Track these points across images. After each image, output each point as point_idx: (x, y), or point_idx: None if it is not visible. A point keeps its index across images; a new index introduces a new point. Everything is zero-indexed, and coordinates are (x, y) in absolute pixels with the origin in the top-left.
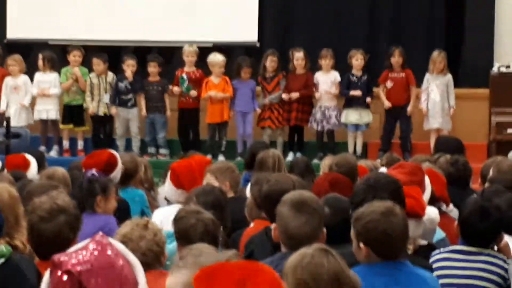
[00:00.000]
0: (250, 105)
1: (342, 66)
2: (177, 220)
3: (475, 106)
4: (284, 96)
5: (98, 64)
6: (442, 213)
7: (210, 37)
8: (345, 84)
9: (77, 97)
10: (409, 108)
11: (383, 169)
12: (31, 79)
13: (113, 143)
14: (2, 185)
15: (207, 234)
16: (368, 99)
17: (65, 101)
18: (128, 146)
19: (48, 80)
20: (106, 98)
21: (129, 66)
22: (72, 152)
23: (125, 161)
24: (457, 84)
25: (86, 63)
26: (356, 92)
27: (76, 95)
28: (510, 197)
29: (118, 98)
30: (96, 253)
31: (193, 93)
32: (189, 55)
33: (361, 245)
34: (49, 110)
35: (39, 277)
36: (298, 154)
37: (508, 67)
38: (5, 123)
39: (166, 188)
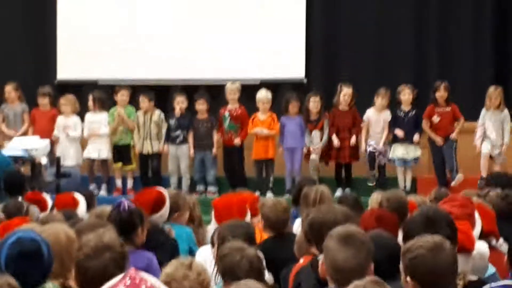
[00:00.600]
0: (298, 141)
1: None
2: (221, 257)
3: None
4: (335, 142)
5: (143, 101)
6: (492, 248)
7: (257, 74)
8: (393, 120)
9: (124, 136)
10: (453, 135)
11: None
12: (82, 119)
13: (161, 180)
14: (60, 225)
15: (253, 270)
16: (416, 137)
17: (113, 140)
18: (178, 184)
19: (98, 120)
20: (147, 137)
21: (178, 103)
22: (122, 191)
23: (172, 198)
24: None
25: (136, 102)
26: (399, 132)
27: (123, 134)
28: None
29: (168, 135)
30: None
31: (237, 141)
32: (231, 93)
33: (408, 279)
34: (100, 150)
35: None
36: (347, 190)
37: None
38: (55, 163)
39: (211, 226)
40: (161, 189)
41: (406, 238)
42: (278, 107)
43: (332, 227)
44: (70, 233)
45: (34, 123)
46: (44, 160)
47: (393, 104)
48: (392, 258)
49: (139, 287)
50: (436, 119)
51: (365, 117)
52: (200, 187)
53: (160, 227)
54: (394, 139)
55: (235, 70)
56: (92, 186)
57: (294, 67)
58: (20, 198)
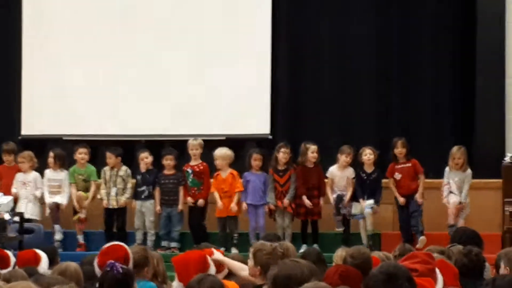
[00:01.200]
0: (261, 198)
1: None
2: None
3: (489, 196)
4: (307, 202)
5: (110, 157)
6: None
7: (222, 130)
8: (357, 182)
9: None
10: (417, 197)
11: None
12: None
13: (126, 236)
14: (26, 284)
15: None
16: (375, 208)
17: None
18: (144, 240)
19: (58, 179)
20: (113, 191)
21: (143, 159)
22: (86, 246)
23: (135, 254)
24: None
25: (101, 158)
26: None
27: (84, 190)
28: None
29: (135, 190)
30: None
31: (201, 202)
32: (193, 149)
33: None
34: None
35: None
36: (315, 246)
37: None
38: (18, 219)
39: (175, 282)
40: (124, 245)
41: None
42: (243, 163)
43: (299, 281)
44: None
45: (1, 178)
46: (7, 216)
47: (356, 165)
48: None
49: None
50: (397, 176)
51: (328, 173)
52: (165, 243)
53: None
54: (352, 199)
55: (200, 126)
56: (57, 236)
57: (259, 124)
58: None
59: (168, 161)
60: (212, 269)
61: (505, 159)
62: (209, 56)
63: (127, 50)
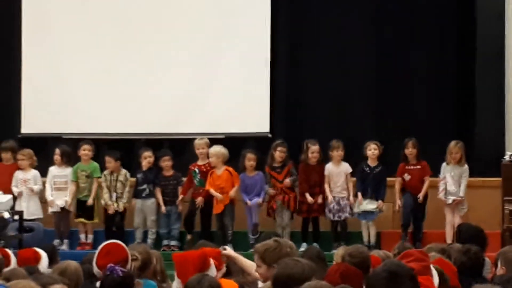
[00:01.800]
0: (257, 197)
1: (355, 157)
2: None
3: (488, 195)
4: (309, 199)
5: (109, 161)
6: None
7: (222, 129)
8: (359, 175)
9: (88, 192)
10: (420, 196)
11: None
12: (45, 173)
13: (124, 235)
14: (26, 282)
15: None
16: (380, 204)
17: (77, 195)
18: (144, 238)
19: (64, 175)
20: (113, 196)
21: (146, 158)
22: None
23: (141, 254)
24: (469, 174)
25: (101, 157)
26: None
27: (86, 190)
28: None
29: (135, 189)
30: None
31: (200, 200)
32: (199, 148)
33: None
34: (65, 200)
35: None
36: (315, 245)
37: None
38: (18, 217)
39: (176, 281)
40: (122, 244)
41: None
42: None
43: (300, 280)
44: None
45: None
46: (6, 215)
47: (360, 159)
48: None
49: None
50: (407, 177)
51: (326, 171)
52: (166, 242)
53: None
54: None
55: (200, 125)
56: (56, 241)
57: (259, 122)
58: None
59: (166, 162)
60: (213, 269)
61: (504, 157)
62: (209, 55)
63: (127, 50)
